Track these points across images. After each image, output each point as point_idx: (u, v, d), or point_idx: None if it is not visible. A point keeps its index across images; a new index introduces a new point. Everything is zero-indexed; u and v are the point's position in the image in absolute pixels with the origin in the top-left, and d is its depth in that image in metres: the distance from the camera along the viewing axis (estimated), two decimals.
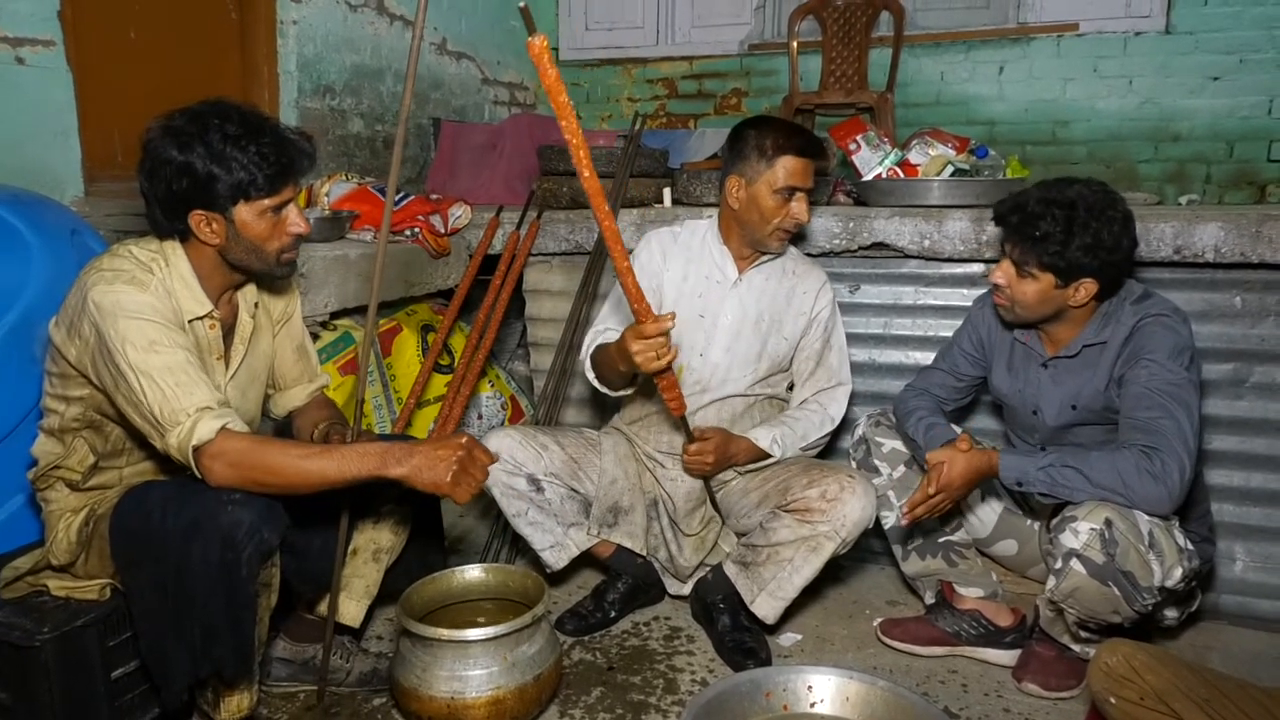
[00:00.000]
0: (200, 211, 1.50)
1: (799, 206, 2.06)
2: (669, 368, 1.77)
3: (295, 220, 1.58)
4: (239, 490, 1.45)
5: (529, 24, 1.30)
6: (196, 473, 1.45)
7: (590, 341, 2.16)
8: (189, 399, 1.43)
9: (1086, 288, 1.81)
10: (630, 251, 1.77)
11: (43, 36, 2.37)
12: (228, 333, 1.68)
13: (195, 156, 1.46)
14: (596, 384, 2.14)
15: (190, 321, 1.56)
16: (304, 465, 1.45)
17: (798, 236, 2.51)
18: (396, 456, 1.48)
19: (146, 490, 1.57)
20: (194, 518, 1.45)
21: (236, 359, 1.69)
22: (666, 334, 1.71)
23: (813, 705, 1.62)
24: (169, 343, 1.46)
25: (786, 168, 2.02)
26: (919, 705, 1.54)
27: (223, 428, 1.43)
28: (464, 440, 1.52)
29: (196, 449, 1.42)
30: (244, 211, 1.51)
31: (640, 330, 1.71)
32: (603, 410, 2.80)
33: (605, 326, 2.20)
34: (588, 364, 2.14)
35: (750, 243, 2.16)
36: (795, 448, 2.15)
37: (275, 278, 1.70)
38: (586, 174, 1.43)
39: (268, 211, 1.53)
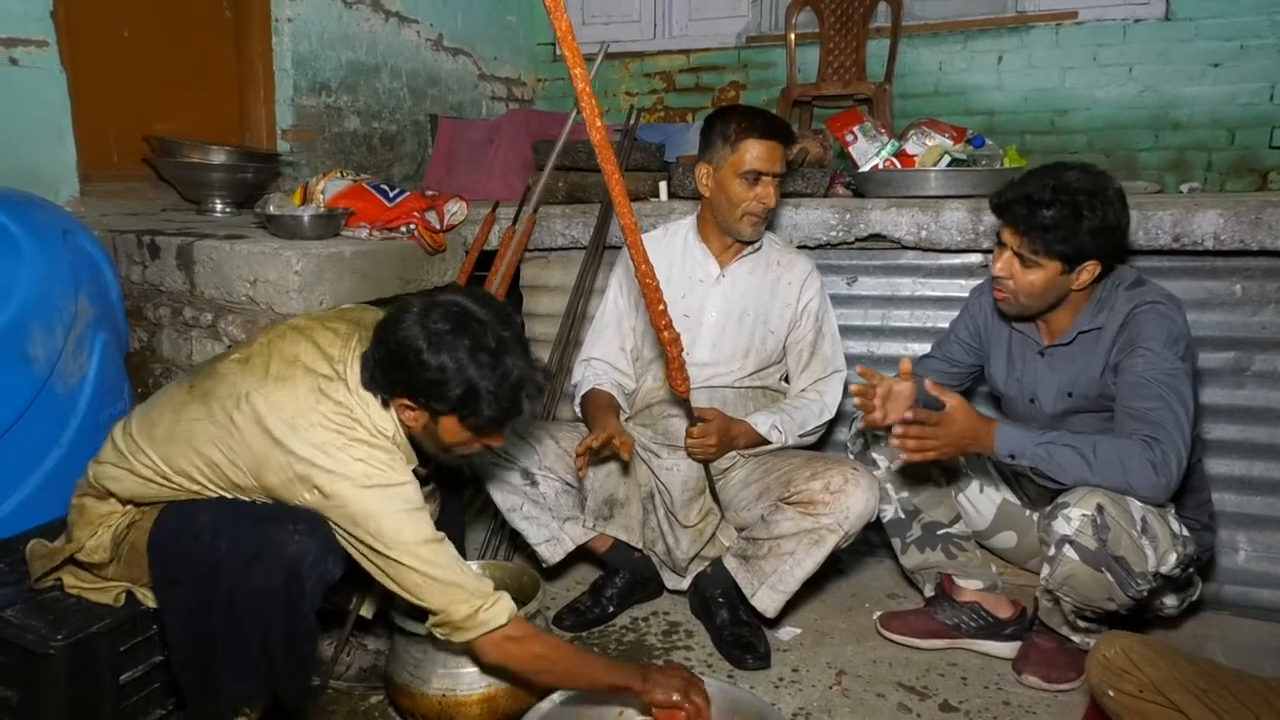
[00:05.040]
0: (408, 403, 1.49)
1: (764, 190, 2.07)
2: (671, 330, 1.79)
3: (494, 440, 1.58)
4: (304, 520, 1.46)
5: None
6: (468, 647, 1.52)
7: (580, 380, 2.27)
8: (478, 583, 1.51)
9: (1090, 270, 1.80)
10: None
11: (36, 37, 2.37)
12: None
13: (435, 362, 1.43)
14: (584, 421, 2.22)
15: None
16: (578, 665, 1.56)
17: (791, 227, 2.50)
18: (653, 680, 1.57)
19: (194, 510, 1.53)
20: (257, 546, 1.44)
21: None
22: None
23: None
24: (438, 531, 1.51)
25: (750, 151, 2.05)
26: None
27: (515, 614, 1.52)
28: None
29: (503, 625, 1.49)
30: (451, 423, 1.50)
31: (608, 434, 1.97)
32: None
33: (591, 356, 2.28)
34: (577, 404, 2.23)
35: (725, 230, 2.17)
36: (794, 435, 2.15)
37: (443, 463, 1.73)
38: (599, 124, 1.44)
39: (472, 432, 1.52)
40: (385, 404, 1.51)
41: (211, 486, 1.52)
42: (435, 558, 1.47)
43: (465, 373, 1.43)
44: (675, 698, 1.54)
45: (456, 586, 1.48)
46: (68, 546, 1.59)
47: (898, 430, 1.75)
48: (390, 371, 1.48)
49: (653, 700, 1.55)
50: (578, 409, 2.24)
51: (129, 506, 1.58)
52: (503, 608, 1.50)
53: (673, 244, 2.25)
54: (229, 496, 1.54)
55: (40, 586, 1.60)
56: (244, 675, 1.49)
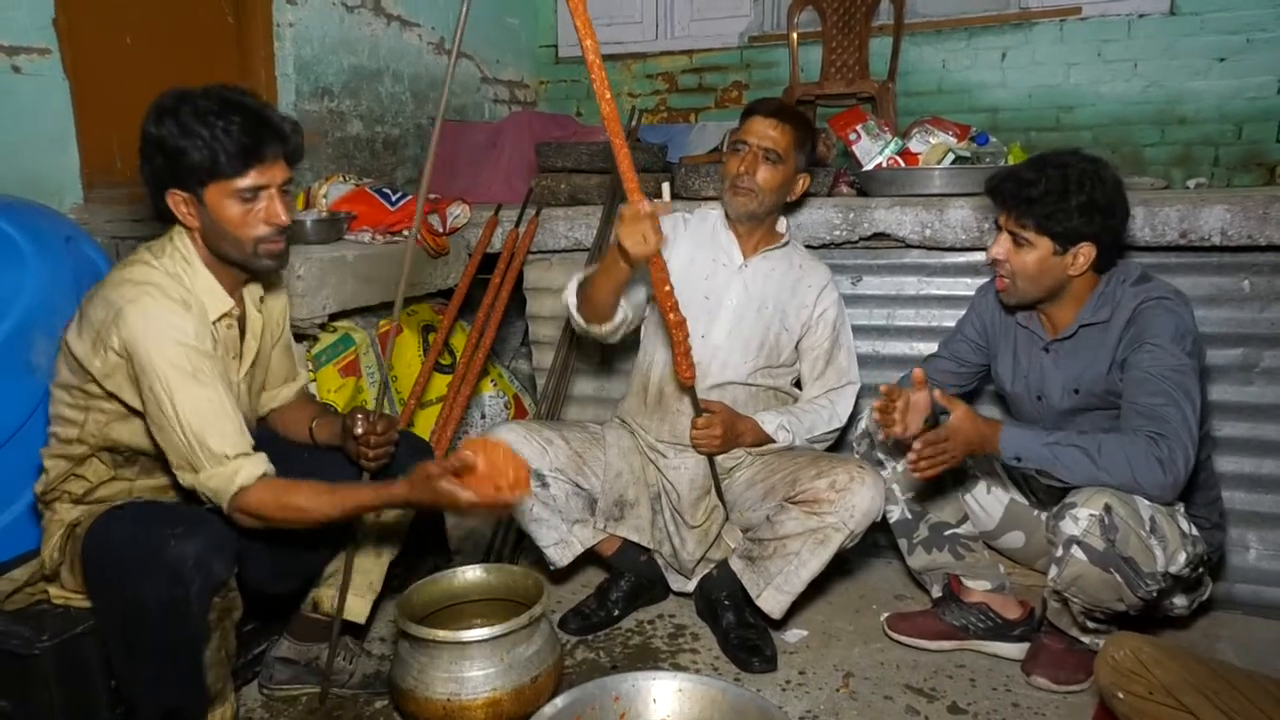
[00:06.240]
0: (176, 191, 1.49)
1: (739, 159, 2.10)
2: (677, 312, 1.78)
3: (273, 210, 1.52)
4: (184, 523, 1.45)
5: None
6: (226, 511, 1.48)
7: (576, 280, 2.15)
8: (229, 441, 1.47)
9: (1085, 254, 1.79)
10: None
11: (38, 45, 2.36)
12: (240, 330, 1.68)
13: (166, 131, 1.45)
14: (577, 316, 2.11)
15: (215, 321, 1.56)
16: (331, 500, 1.52)
17: (795, 227, 2.49)
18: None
19: (115, 514, 1.54)
20: (144, 551, 1.42)
21: (250, 355, 1.69)
22: (653, 217, 1.76)
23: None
24: (209, 374, 1.47)
25: (742, 125, 2.13)
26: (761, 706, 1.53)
27: (263, 474, 1.48)
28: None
29: (236, 493, 1.47)
30: (214, 193, 1.48)
31: (622, 213, 1.78)
32: (605, 408, 2.79)
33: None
34: (572, 295, 2.12)
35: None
36: (801, 437, 2.14)
37: (258, 270, 1.63)
38: (607, 95, 1.50)
39: (239, 195, 1.49)
40: (166, 219, 1.54)
41: (79, 416, 1.56)
42: (195, 401, 1.44)
43: (190, 128, 1.43)
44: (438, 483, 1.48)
45: (200, 444, 1.45)
46: (36, 562, 1.63)
47: (911, 457, 1.76)
48: (146, 174, 1.51)
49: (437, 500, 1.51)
50: (574, 302, 2.12)
51: (72, 506, 1.61)
52: (224, 480, 1.46)
53: (702, 227, 2.28)
54: (87, 418, 1.56)
55: (10, 607, 1.63)
56: (155, 689, 1.48)
